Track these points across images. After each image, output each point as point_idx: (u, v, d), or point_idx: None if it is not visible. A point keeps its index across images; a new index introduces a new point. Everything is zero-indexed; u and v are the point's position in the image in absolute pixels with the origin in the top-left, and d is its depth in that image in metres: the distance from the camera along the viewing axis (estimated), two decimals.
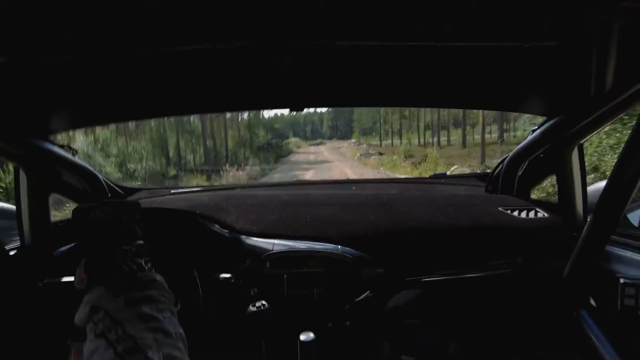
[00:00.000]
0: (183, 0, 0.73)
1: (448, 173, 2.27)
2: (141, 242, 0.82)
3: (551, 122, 1.29)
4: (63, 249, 1.26)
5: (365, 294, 1.20)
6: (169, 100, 1.28)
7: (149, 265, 0.79)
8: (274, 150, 21.98)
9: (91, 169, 1.43)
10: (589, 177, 2.05)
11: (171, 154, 14.82)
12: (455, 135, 20.21)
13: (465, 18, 0.82)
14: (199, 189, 1.80)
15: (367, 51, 1.01)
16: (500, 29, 0.87)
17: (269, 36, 0.88)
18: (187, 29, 0.84)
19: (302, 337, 1.08)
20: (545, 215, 1.35)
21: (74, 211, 0.89)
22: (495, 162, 1.66)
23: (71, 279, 1.02)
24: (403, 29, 0.87)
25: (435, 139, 19.92)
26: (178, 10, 0.76)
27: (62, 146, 1.28)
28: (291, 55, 0.98)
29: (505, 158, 1.59)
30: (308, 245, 1.23)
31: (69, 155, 1.31)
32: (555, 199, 1.44)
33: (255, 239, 1.26)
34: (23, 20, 0.71)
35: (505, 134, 16.12)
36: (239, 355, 1.19)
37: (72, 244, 1.26)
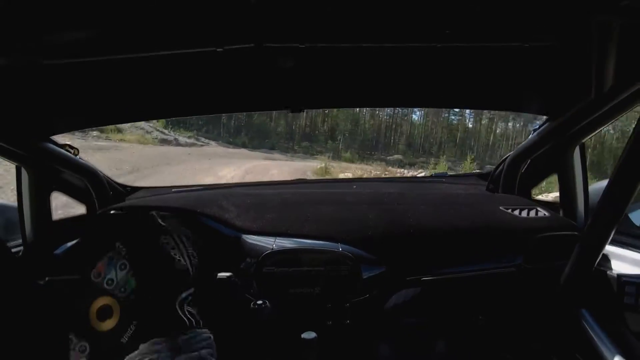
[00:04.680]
0: (184, 3, 0.74)
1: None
2: (193, 289, 0.79)
3: (552, 121, 1.29)
4: (64, 247, 1.27)
5: (365, 297, 1.20)
6: (170, 102, 1.28)
7: (198, 315, 0.77)
8: None
9: (92, 167, 1.43)
10: None
11: None
12: None
13: (465, 18, 0.82)
14: (199, 187, 1.80)
15: (367, 52, 1.01)
16: (501, 29, 0.87)
17: (269, 38, 0.88)
18: (188, 32, 0.84)
19: (304, 336, 1.08)
20: (546, 214, 1.35)
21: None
22: None
23: (72, 277, 1.03)
24: (403, 30, 0.88)
25: None
26: (179, 13, 0.76)
27: (62, 146, 1.28)
28: (291, 57, 0.98)
29: (507, 157, 1.59)
30: (308, 243, 1.23)
31: (70, 155, 1.31)
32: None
33: (255, 237, 1.27)
34: (25, 22, 0.71)
35: None
36: (240, 354, 1.20)
37: (73, 242, 1.27)
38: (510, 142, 34.11)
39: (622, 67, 0.87)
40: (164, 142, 18.19)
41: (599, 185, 1.44)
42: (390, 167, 21.06)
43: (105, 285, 1.03)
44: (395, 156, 30.29)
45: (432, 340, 1.32)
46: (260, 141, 29.73)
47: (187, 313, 0.75)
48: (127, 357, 0.74)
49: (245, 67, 1.07)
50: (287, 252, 1.20)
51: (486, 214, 1.35)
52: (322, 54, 1.00)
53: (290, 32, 0.87)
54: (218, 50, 0.87)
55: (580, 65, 0.98)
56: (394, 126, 35.62)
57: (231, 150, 22.73)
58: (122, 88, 1.13)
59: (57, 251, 1.24)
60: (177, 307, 0.74)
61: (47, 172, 1.28)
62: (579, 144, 1.31)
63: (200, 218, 1.31)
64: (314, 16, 0.82)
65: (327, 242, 1.23)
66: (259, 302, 1.12)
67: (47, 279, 1.05)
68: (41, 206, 1.27)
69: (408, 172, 19.48)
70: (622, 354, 1.05)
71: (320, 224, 1.28)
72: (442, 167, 20.74)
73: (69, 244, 1.28)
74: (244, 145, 27.36)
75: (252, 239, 1.27)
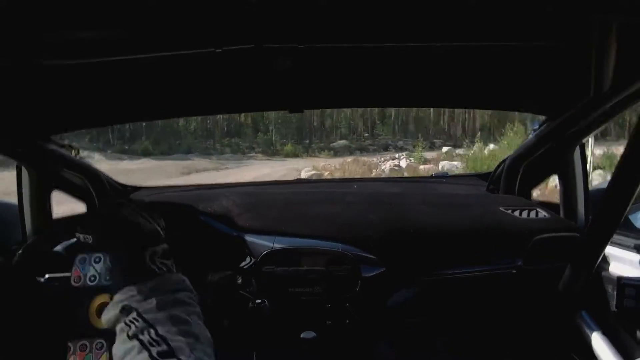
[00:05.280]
0: (182, 3, 0.74)
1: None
2: (166, 245, 0.79)
3: (552, 121, 1.29)
4: (65, 244, 1.27)
5: (365, 297, 1.20)
6: (170, 103, 1.29)
7: (174, 267, 0.77)
8: None
9: (93, 167, 1.44)
10: None
11: None
12: None
13: (464, 18, 0.82)
14: (200, 186, 1.81)
15: (366, 52, 1.01)
16: (501, 29, 0.87)
17: (269, 39, 0.88)
18: (186, 33, 0.84)
19: (303, 335, 1.09)
20: (547, 215, 1.35)
21: (98, 209, 0.86)
22: None
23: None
24: (402, 29, 0.87)
25: None
26: (178, 14, 0.77)
27: (63, 145, 1.29)
28: (290, 57, 0.98)
29: (507, 158, 1.60)
30: (308, 243, 1.23)
31: (70, 154, 1.32)
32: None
33: (255, 236, 1.27)
34: (25, 22, 0.71)
35: None
36: (240, 353, 1.20)
37: (74, 240, 1.27)
38: (442, 113, 30.19)
39: (622, 66, 0.87)
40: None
41: (599, 187, 1.44)
42: (365, 158, 18.19)
43: (89, 282, 1.02)
44: (341, 142, 25.72)
45: (431, 341, 1.32)
46: (169, 145, 22.20)
47: (157, 264, 0.74)
48: (105, 311, 0.72)
49: (244, 68, 1.07)
50: (287, 251, 1.20)
51: (486, 214, 1.35)
52: (321, 54, 1.00)
53: (289, 33, 0.87)
54: (217, 51, 0.87)
55: (579, 64, 0.98)
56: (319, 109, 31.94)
57: (125, 164, 15.58)
58: (121, 89, 1.13)
59: (58, 249, 1.25)
60: (147, 260, 0.73)
61: (48, 171, 1.28)
62: (579, 143, 1.31)
63: (201, 216, 1.32)
64: (313, 17, 0.82)
65: (328, 242, 1.23)
66: (258, 301, 1.12)
67: (47, 276, 1.06)
68: (42, 205, 1.27)
69: (385, 160, 17.23)
70: (622, 357, 1.05)
71: (321, 224, 1.28)
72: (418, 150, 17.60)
73: (69, 242, 1.29)
74: (146, 153, 19.91)
75: (252, 237, 1.27)
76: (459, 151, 19.03)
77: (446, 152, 18.89)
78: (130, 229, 0.77)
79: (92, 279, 1.03)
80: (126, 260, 0.74)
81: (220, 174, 14.43)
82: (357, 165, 15.70)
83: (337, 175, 12.76)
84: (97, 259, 1.04)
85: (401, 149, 23.13)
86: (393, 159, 17.25)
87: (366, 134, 28.85)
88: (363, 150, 24.44)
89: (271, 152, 23.54)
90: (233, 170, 15.90)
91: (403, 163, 15.84)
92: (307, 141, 26.10)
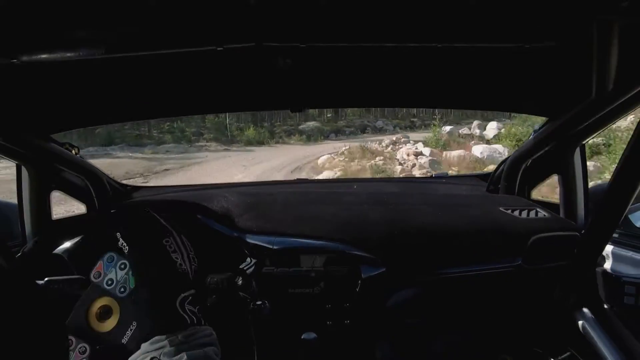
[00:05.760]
0: (184, 2, 0.74)
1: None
2: (194, 290, 0.79)
3: (552, 122, 1.29)
4: (65, 246, 1.27)
5: (365, 297, 1.20)
6: (170, 101, 1.29)
7: (201, 315, 0.77)
8: None
9: (92, 166, 1.44)
10: None
11: None
12: None
13: (465, 19, 0.82)
14: (200, 186, 1.81)
15: (367, 52, 1.01)
16: (502, 30, 0.87)
17: (269, 38, 0.88)
18: (187, 31, 0.84)
19: (304, 336, 1.08)
20: (546, 215, 1.35)
21: (138, 217, 0.85)
22: None
23: (72, 277, 1.02)
24: (403, 29, 0.87)
25: None
26: (179, 12, 0.77)
27: (63, 144, 1.29)
28: (291, 56, 0.98)
29: (507, 158, 1.60)
30: (308, 243, 1.23)
31: (70, 154, 1.32)
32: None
33: (255, 236, 1.27)
34: (24, 21, 0.71)
35: None
36: (239, 354, 1.20)
37: (74, 241, 1.27)
38: None
39: (623, 68, 0.87)
40: None
41: (599, 186, 1.44)
42: (372, 145, 14.55)
43: (105, 285, 1.02)
44: (311, 124, 21.74)
45: (431, 341, 1.32)
46: (84, 134, 15.28)
47: (187, 311, 0.75)
48: (130, 358, 0.73)
49: (245, 67, 1.07)
50: (287, 251, 1.20)
51: (486, 214, 1.35)
52: (322, 53, 1.00)
53: (290, 32, 0.87)
54: (218, 49, 0.87)
55: (580, 66, 0.98)
56: None
57: None
58: (122, 87, 1.13)
59: (57, 250, 1.25)
60: (177, 306, 0.74)
61: (48, 170, 1.28)
62: (579, 145, 1.31)
63: (200, 217, 1.32)
64: (314, 16, 0.82)
65: (327, 242, 1.23)
66: (259, 302, 1.12)
67: (46, 279, 1.05)
68: (41, 205, 1.27)
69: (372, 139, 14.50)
70: (622, 354, 1.05)
71: (321, 224, 1.28)
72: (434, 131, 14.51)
73: (69, 243, 1.28)
74: None
75: (251, 238, 1.26)
76: (463, 131, 16.57)
77: (449, 133, 16.07)
78: (167, 265, 0.75)
79: (109, 282, 1.02)
80: (157, 302, 0.73)
81: None
82: (369, 156, 12.88)
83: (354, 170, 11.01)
84: (122, 265, 1.03)
85: (381, 131, 20.61)
86: (405, 143, 14.00)
87: (329, 115, 24.45)
88: (338, 132, 21.18)
89: (227, 139, 18.48)
90: (176, 177, 10.43)
91: (425, 150, 12.40)
92: (268, 124, 21.53)
